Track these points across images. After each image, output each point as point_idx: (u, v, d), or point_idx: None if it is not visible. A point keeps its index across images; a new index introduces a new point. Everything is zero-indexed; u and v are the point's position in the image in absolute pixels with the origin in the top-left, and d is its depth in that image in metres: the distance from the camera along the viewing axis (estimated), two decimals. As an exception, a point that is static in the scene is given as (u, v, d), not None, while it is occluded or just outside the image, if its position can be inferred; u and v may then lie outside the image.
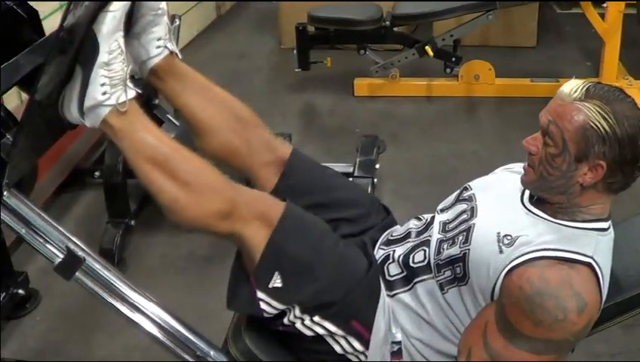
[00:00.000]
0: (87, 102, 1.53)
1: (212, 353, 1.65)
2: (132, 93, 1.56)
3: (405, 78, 4.40)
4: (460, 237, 1.61)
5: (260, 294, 1.58)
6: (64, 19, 1.46)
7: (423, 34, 4.54)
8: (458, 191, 1.77)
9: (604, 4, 4.17)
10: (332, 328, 1.61)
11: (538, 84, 4.32)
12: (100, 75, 1.51)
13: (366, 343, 1.62)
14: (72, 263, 1.52)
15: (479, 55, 4.41)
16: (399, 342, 1.63)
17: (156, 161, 1.57)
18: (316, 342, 1.63)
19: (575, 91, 1.49)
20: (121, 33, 1.55)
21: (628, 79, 4.30)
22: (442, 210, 1.75)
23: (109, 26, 1.51)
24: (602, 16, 4.18)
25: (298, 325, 1.61)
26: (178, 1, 4.83)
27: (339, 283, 1.61)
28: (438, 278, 1.61)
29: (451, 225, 1.67)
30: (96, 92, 1.52)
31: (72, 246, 1.50)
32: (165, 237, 3.05)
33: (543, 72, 4.49)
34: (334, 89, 4.45)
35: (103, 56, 1.51)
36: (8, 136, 1.53)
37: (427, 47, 4.10)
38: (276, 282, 1.56)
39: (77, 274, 1.58)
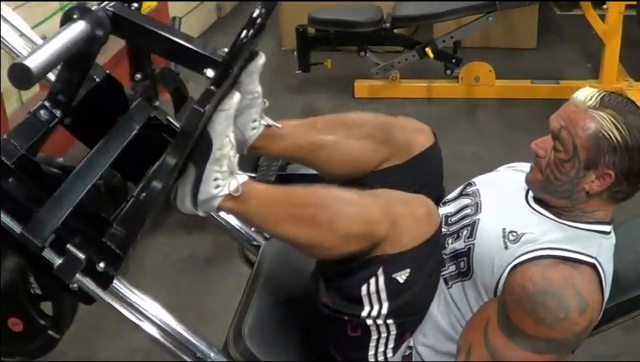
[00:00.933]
0: (202, 197, 1.53)
1: (212, 354, 1.65)
2: (243, 178, 1.55)
3: (405, 80, 4.41)
4: (465, 232, 1.61)
5: (379, 272, 1.51)
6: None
7: (423, 35, 4.55)
8: (462, 186, 1.77)
9: (604, 6, 4.18)
10: (392, 333, 1.57)
11: (538, 86, 4.33)
12: (212, 172, 1.51)
13: (394, 351, 1.61)
14: (72, 265, 1.52)
15: (479, 57, 4.42)
16: (411, 347, 1.63)
17: (290, 218, 1.54)
18: (359, 342, 1.59)
19: (590, 99, 1.50)
20: (232, 128, 1.54)
21: (628, 80, 4.31)
22: (445, 203, 1.76)
23: (223, 124, 1.50)
24: (602, 17, 4.18)
25: (370, 321, 1.55)
26: (179, 1, 4.85)
27: (429, 297, 1.60)
28: (443, 272, 1.61)
29: (454, 219, 1.68)
30: (209, 187, 1.51)
31: (72, 248, 1.50)
32: (166, 239, 3.06)
33: (543, 74, 4.50)
34: (335, 91, 4.45)
35: (215, 154, 1.51)
36: (116, 227, 1.52)
37: (427, 49, 4.10)
38: (401, 276, 1.52)
39: (77, 275, 1.58)
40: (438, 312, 1.61)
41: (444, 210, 1.72)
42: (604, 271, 1.50)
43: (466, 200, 1.70)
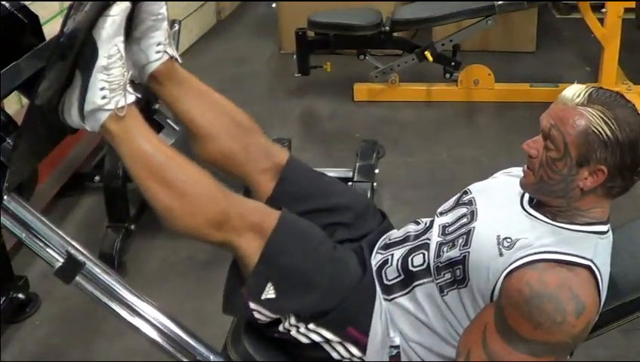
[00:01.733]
0: (87, 107, 1.54)
1: (212, 357, 1.65)
2: (131, 98, 1.57)
3: (405, 83, 4.41)
4: (460, 240, 1.61)
5: (252, 305, 1.59)
6: (64, 24, 1.46)
7: (423, 39, 4.55)
8: (458, 195, 1.77)
9: (603, 9, 4.18)
10: (328, 335, 1.61)
11: (537, 89, 4.32)
12: (99, 80, 1.52)
13: (363, 348, 1.63)
14: (72, 267, 1.53)
15: (479, 60, 4.41)
16: (397, 347, 1.63)
17: (152, 168, 1.58)
18: (313, 349, 1.63)
19: (578, 96, 1.50)
20: (121, 38, 1.56)
21: (627, 84, 4.31)
22: (442, 213, 1.76)
23: (109, 30, 1.51)
24: (601, 21, 4.18)
25: (293, 332, 1.61)
26: (180, 1, 4.85)
27: (333, 291, 1.61)
28: (438, 281, 1.61)
29: (451, 228, 1.68)
30: (95, 96, 1.53)
31: (72, 251, 1.51)
32: (165, 242, 3.05)
33: (542, 77, 4.50)
34: (334, 94, 4.45)
35: (102, 61, 1.52)
36: (9, 141, 1.53)
37: (427, 52, 4.10)
38: (269, 293, 1.57)
39: (77, 278, 1.58)
40: (433, 318, 1.62)
41: (441, 221, 1.72)
42: (600, 273, 1.50)
43: (462, 210, 1.70)
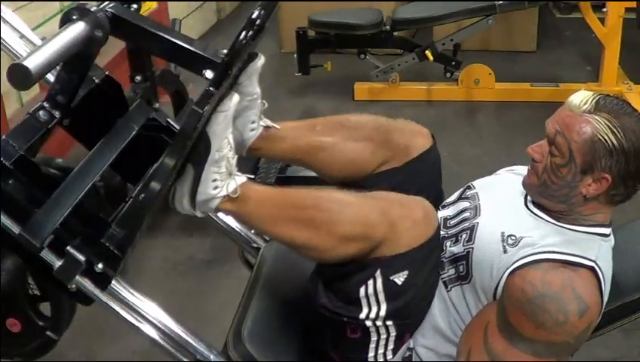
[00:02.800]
0: (200, 197, 1.52)
1: (212, 356, 1.64)
2: (242, 179, 1.55)
3: (405, 83, 4.41)
4: (464, 236, 1.61)
5: (377, 274, 1.51)
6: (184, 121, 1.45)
7: (423, 38, 4.56)
8: (461, 190, 1.77)
9: (604, 9, 4.18)
10: (392, 334, 1.57)
11: (538, 89, 4.33)
12: (211, 173, 1.50)
13: (396, 352, 1.61)
14: (72, 267, 1.52)
15: (479, 59, 4.42)
16: (411, 349, 1.63)
17: (288, 219, 1.54)
18: (358, 342, 1.58)
19: (585, 103, 1.50)
20: (231, 129, 1.53)
21: (628, 84, 4.31)
22: (444, 206, 1.76)
23: (222, 125, 1.50)
24: (602, 20, 4.19)
25: (368, 322, 1.55)
26: (180, 1, 4.85)
27: (428, 299, 1.60)
28: (442, 276, 1.61)
29: (452, 222, 1.68)
30: (208, 188, 1.51)
31: (72, 250, 1.50)
32: (166, 241, 3.06)
33: (542, 77, 4.50)
34: (334, 93, 4.45)
35: (214, 155, 1.50)
36: (114, 228, 1.51)
37: (427, 52, 4.10)
38: (398, 278, 1.52)
39: (77, 277, 1.57)
40: (438, 314, 1.61)
41: (443, 213, 1.72)
42: (603, 274, 1.50)
43: (465, 204, 1.70)
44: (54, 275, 1.47)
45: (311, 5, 4.39)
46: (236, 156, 1.57)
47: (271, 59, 5.44)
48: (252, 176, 1.59)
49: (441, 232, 1.65)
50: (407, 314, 1.57)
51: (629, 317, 1.65)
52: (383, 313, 1.54)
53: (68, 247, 1.44)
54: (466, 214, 1.66)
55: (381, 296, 1.52)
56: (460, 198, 1.74)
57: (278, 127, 1.79)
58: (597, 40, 4.24)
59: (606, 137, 1.47)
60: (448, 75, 4.22)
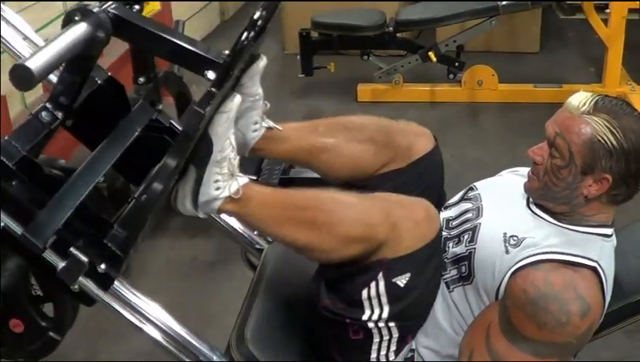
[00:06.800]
0: (202, 198, 1.52)
1: (215, 357, 1.64)
2: (244, 180, 1.55)
3: (408, 84, 4.41)
4: (466, 236, 1.61)
5: (380, 277, 1.51)
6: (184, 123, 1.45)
7: (427, 39, 4.55)
8: (463, 191, 1.77)
9: (607, 10, 4.18)
10: (394, 336, 1.58)
11: (541, 90, 4.33)
12: (213, 173, 1.50)
13: (398, 353, 1.61)
14: (75, 268, 1.52)
15: (482, 60, 4.42)
16: (413, 350, 1.63)
17: (290, 221, 1.54)
18: (361, 343, 1.58)
19: (583, 104, 1.50)
20: (233, 130, 1.53)
21: (631, 84, 4.31)
22: (446, 207, 1.76)
23: (224, 126, 1.50)
24: (605, 21, 4.18)
25: (370, 324, 1.55)
26: (184, 2, 4.85)
27: (431, 301, 1.60)
28: (444, 276, 1.61)
29: (455, 223, 1.68)
30: (210, 189, 1.51)
31: (75, 252, 1.50)
32: (169, 242, 3.06)
33: (546, 78, 4.50)
34: (338, 94, 4.46)
35: (216, 156, 1.50)
36: (117, 229, 1.51)
37: (430, 53, 4.11)
38: (401, 280, 1.52)
39: (80, 278, 1.57)
40: (441, 315, 1.61)
41: (445, 214, 1.72)
42: (605, 275, 1.50)
43: (467, 205, 1.70)
44: (57, 276, 1.47)
45: (314, 6, 4.39)
46: (238, 157, 1.57)
47: (274, 61, 5.47)
48: (254, 177, 1.59)
49: (444, 233, 1.65)
50: (410, 315, 1.58)
51: (633, 318, 1.65)
52: (385, 315, 1.54)
53: (71, 248, 1.44)
54: (469, 215, 1.67)
55: (383, 299, 1.52)
56: (462, 199, 1.74)
57: (280, 128, 1.79)
58: (600, 41, 4.24)
59: (605, 138, 1.47)
60: (451, 76, 4.22)
